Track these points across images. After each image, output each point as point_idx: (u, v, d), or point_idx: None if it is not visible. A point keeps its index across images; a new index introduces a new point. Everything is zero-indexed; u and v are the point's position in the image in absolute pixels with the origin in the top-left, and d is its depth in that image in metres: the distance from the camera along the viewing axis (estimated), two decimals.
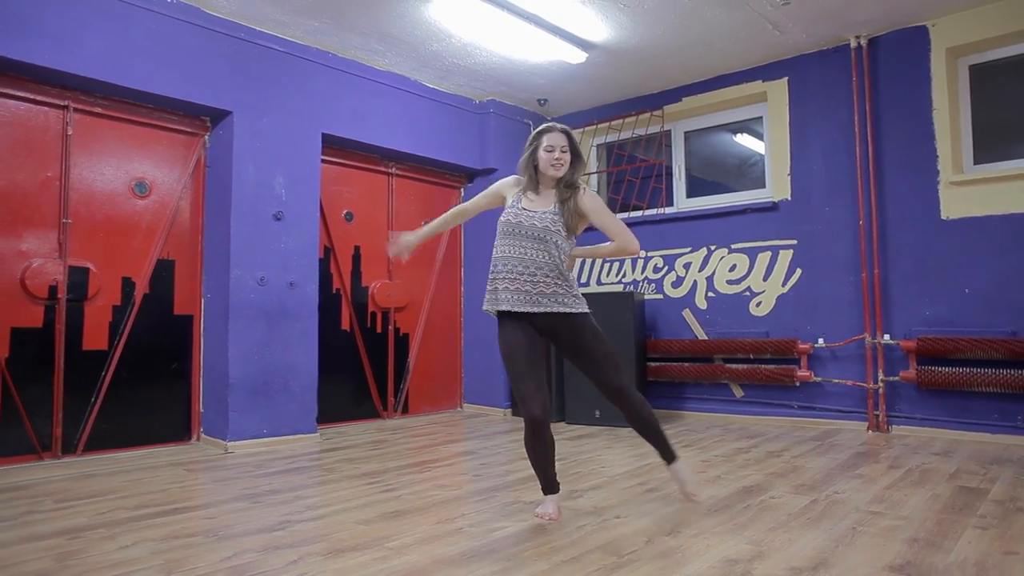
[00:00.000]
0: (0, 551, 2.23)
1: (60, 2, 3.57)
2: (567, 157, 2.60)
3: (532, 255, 2.54)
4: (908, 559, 2.06)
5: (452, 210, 2.90)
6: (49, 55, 3.54)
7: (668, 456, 2.75)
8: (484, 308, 2.66)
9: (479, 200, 2.83)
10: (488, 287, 2.63)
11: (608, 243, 2.67)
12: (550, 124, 2.65)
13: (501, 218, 2.62)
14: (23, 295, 3.66)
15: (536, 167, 2.63)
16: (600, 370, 2.61)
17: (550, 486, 2.63)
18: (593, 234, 2.93)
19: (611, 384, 2.62)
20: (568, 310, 2.55)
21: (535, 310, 2.53)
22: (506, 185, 2.74)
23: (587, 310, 2.60)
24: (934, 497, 2.78)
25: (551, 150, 2.58)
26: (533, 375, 2.50)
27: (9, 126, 3.66)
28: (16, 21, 3.43)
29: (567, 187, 2.62)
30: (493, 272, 2.62)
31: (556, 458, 2.67)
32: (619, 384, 2.62)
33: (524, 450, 2.58)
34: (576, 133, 6.50)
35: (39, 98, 3.75)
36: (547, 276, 2.53)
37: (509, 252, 2.57)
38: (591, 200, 2.62)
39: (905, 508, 2.62)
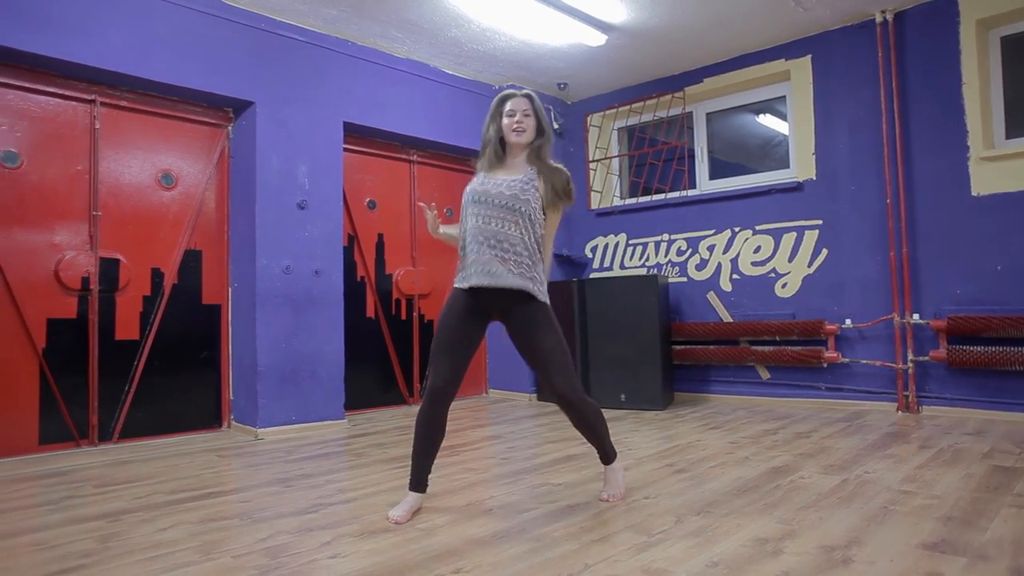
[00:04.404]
0: (45, 533, 2.30)
1: None
2: (529, 121, 2.42)
3: (498, 226, 2.33)
4: (942, 537, 2.04)
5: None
6: (75, 50, 3.59)
7: (606, 457, 2.58)
8: (455, 286, 2.44)
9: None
10: (459, 264, 2.44)
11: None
12: (512, 90, 2.48)
13: (466, 188, 2.44)
14: (57, 287, 3.74)
15: (502, 140, 2.46)
16: (546, 367, 2.38)
17: (420, 481, 2.42)
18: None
19: (553, 387, 2.39)
20: (527, 289, 2.33)
21: (494, 284, 2.32)
22: (477, 172, 2.52)
23: (547, 300, 2.41)
24: (968, 476, 2.75)
25: (512, 115, 2.41)
26: (452, 352, 2.36)
27: (40, 121, 3.73)
28: (41, 17, 3.48)
29: (541, 161, 2.43)
30: (460, 246, 2.43)
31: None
32: (561, 390, 2.38)
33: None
34: (597, 117, 6.39)
35: (67, 93, 3.81)
36: (514, 249, 2.33)
37: (473, 222, 2.37)
38: (565, 182, 2.44)
39: (938, 487, 2.60)
